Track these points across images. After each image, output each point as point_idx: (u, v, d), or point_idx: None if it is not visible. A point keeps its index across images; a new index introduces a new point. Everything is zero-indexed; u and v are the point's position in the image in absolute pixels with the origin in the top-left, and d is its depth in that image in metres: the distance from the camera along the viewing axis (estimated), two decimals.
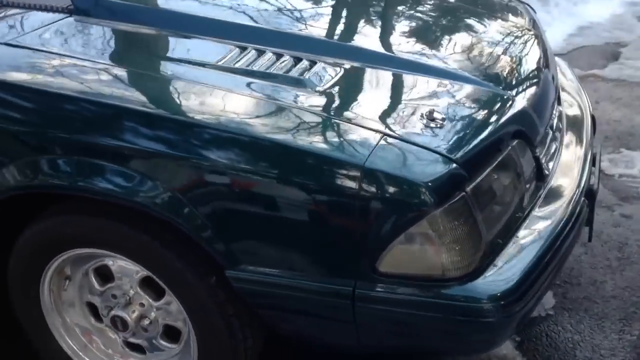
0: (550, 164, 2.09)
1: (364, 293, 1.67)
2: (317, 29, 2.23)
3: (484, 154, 1.76)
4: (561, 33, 5.50)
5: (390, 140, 1.68)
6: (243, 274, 1.72)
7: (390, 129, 1.72)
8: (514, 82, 2.05)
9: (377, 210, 1.61)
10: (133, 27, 2.12)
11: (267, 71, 1.89)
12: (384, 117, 1.79)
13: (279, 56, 1.96)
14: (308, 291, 1.71)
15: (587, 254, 2.75)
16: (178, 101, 1.82)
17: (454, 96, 1.91)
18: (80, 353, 2.08)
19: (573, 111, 2.47)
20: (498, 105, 1.92)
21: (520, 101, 1.96)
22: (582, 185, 2.05)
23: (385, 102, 1.88)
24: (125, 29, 2.13)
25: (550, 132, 2.19)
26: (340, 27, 2.25)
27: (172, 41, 2.12)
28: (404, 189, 1.60)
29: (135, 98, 1.85)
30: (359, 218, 1.62)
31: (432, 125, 1.75)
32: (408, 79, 1.96)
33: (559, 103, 2.44)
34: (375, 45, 2.14)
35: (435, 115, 1.77)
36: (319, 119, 1.74)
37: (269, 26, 2.16)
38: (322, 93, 1.83)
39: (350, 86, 1.90)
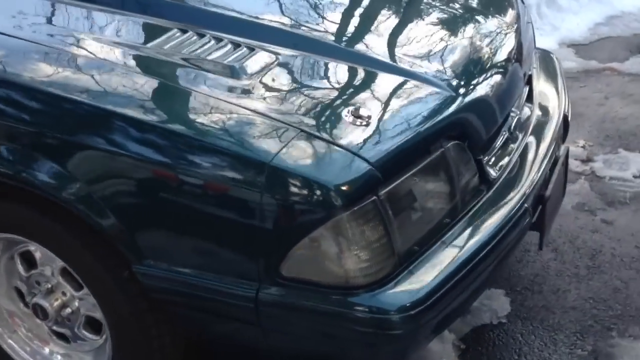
0: (500, 168, 2.00)
1: (268, 297, 1.61)
2: (272, 15, 2.13)
3: (408, 155, 1.67)
4: (587, 22, 5.26)
5: (305, 137, 1.60)
6: (149, 269, 1.67)
7: (309, 125, 1.64)
8: (462, 80, 1.92)
9: (280, 211, 1.54)
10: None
11: (198, 56, 1.81)
12: (307, 111, 1.70)
13: (218, 41, 1.88)
14: (214, 292, 1.65)
15: (556, 259, 2.63)
16: (84, 83, 1.74)
17: (389, 91, 1.81)
18: (7, 337, 2.06)
19: (543, 111, 2.35)
20: (436, 103, 1.81)
21: (464, 100, 1.85)
22: (527, 191, 1.95)
23: (313, 95, 1.78)
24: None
25: (506, 134, 2.08)
26: (292, 15, 2.14)
27: (107, 19, 2.02)
28: (308, 190, 1.53)
29: (35, 75, 1.76)
30: (261, 219, 1.55)
31: (357, 122, 1.66)
32: (345, 70, 1.87)
33: (531, 102, 2.33)
34: (322, 35, 2.04)
35: (362, 112, 1.68)
36: (234, 111, 1.66)
37: (217, 9, 2.08)
38: (248, 83, 1.74)
39: (281, 77, 1.81)
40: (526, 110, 2.26)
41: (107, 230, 1.66)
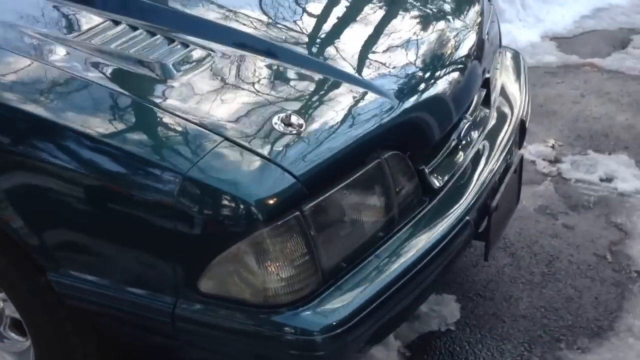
0: (447, 177, 1.95)
1: (185, 313, 1.56)
2: (216, 11, 2.05)
3: (340, 167, 1.62)
4: (573, 14, 5.17)
5: (228, 146, 1.53)
6: (64, 278, 1.62)
7: (234, 132, 1.57)
8: (405, 86, 1.86)
9: (196, 225, 1.49)
10: None
11: (125, 51, 1.74)
12: (234, 118, 1.62)
13: (151, 35, 1.81)
14: (132, 304, 1.60)
15: (512, 265, 2.59)
16: None
17: (327, 97, 1.76)
18: None
19: (500, 116, 2.29)
20: (376, 111, 1.75)
21: (406, 108, 1.79)
22: (471, 202, 1.90)
23: (245, 99, 1.70)
24: None
25: (455, 141, 2.03)
26: (237, 12, 2.04)
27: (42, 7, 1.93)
28: (226, 203, 1.47)
29: None
30: (177, 232, 1.50)
31: (287, 131, 1.60)
32: (284, 73, 1.81)
33: (487, 106, 2.27)
34: (265, 33, 1.96)
35: (293, 120, 1.62)
36: (155, 113, 1.60)
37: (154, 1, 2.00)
38: (174, 83, 1.67)
39: (213, 77, 1.74)
40: (481, 115, 2.22)
41: (18, 236, 1.61)
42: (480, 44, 2.19)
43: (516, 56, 2.65)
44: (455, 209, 1.86)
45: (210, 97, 1.68)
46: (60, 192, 1.56)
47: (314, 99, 1.74)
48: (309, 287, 1.55)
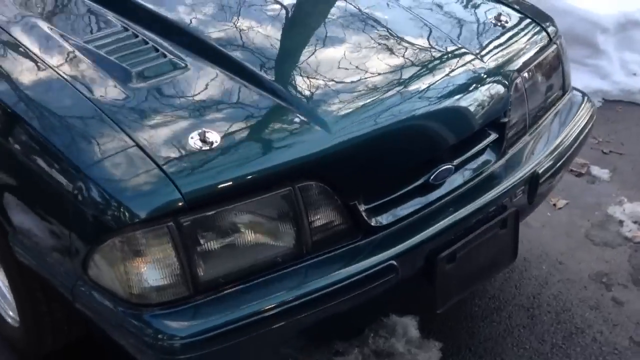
0: (399, 217, 1.86)
1: (80, 292, 1.70)
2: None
3: (239, 189, 1.64)
4: None
5: (135, 152, 1.64)
6: (14, 242, 1.83)
7: (148, 141, 1.66)
8: (346, 117, 1.79)
9: (85, 215, 1.62)
10: None
11: (104, 48, 1.91)
12: (158, 127, 1.71)
13: (123, 30, 1.99)
14: (54, 275, 1.77)
15: (525, 327, 2.35)
16: None
17: (257, 117, 1.78)
18: None
19: (509, 167, 2.10)
20: (302, 139, 1.74)
21: (340, 141, 1.74)
22: (408, 247, 1.81)
23: (174, 112, 1.76)
24: None
25: (421, 182, 1.92)
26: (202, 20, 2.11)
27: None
28: (109, 201, 1.58)
29: None
30: (72, 218, 1.65)
31: (198, 146, 1.66)
32: (223, 86, 1.85)
33: (498, 153, 2.09)
34: (216, 41, 1.99)
35: (208, 136, 1.68)
36: (91, 111, 1.74)
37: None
38: (126, 88, 1.80)
39: (164, 87, 1.84)
40: (480, 161, 2.07)
41: None
42: (475, 82, 2.02)
43: (577, 103, 2.39)
44: (384, 252, 1.79)
45: (147, 105, 1.79)
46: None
47: (243, 117, 1.77)
48: (176, 294, 1.61)
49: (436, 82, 1.96)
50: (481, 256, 2.01)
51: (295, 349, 1.97)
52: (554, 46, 2.36)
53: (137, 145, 1.66)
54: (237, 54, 1.96)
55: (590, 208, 2.97)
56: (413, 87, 1.92)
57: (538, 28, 2.34)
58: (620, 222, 2.85)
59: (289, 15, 2.21)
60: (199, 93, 1.84)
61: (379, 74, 1.94)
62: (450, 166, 1.97)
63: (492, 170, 2.07)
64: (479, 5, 2.43)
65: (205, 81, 1.88)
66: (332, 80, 1.91)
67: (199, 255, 1.63)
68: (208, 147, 1.67)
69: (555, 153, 2.21)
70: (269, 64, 1.96)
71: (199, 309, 1.63)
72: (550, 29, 2.36)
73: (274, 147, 1.73)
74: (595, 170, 3.25)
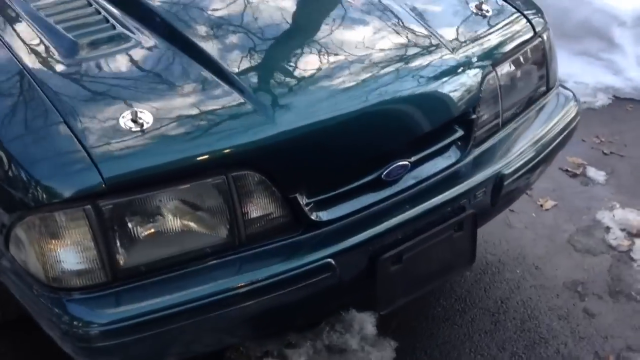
0: (346, 213, 1.78)
1: (4, 264, 1.67)
2: None
3: (166, 174, 1.57)
4: None
5: (63, 130, 1.57)
6: None
7: (78, 119, 1.59)
8: (291, 106, 1.71)
9: (5, 191, 1.56)
10: None
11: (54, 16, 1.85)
12: (91, 104, 1.65)
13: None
14: None
15: (487, 333, 2.25)
16: None
17: (195, 99, 1.69)
18: None
19: (475, 165, 1.99)
20: (241, 125, 1.65)
21: (282, 130, 1.65)
22: (348, 246, 1.72)
23: (113, 90, 1.69)
24: None
25: (371, 178, 1.82)
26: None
27: None
28: (29, 178, 1.52)
29: None
30: None
31: (128, 127, 1.59)
32: (172, 64, 1.77)
33: (464, 150, 1.98)
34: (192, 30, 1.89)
35: (140, 117, 1.60)
36: (27, 82, 1.68)
37: None
38: (71, 61, 1.74)
39: (110, 61, 1.77)
40: (440, 159, 1.96)
41: None
42: (440, 74, 1.91)
43: (561, 101, 2.26)
44: (322, 249, 1.71)
45: (84, 79, 1.72)
46: None
47: (182, 99, 1.68)
48: (94, 280, 1.56)
49: (394, 72, 1.85)
50: (433, 259, 1.92)
51: (234, 338, 1.90)
52: (538, 40, 2.22)
53: (65, 121, 1.59)
54: (190, 32, 1.87)
55: (579, 212, 2.83)
56: (367, 76, 1.82)
57: (522, 20, 2.21)
58: (607, 229, 2.71)
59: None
60: (142, 70, 1.77)
61: (334, 62, 1.84)
62: (406, 163, 1.87)
63: (454, 169, 1.96)
64: None
65: (152, 58, 1.80)
66: (284, 67, 1.83)
67: (119, 241, 1.56)
68: (139, 129, 1.59)
69: (527, 154, 2.09)
70: (222, 46, 1.86)
71: (118, 297, 1.58)
72: (535, 21, 2.22)
73: (209, 132, 1.65)
74: (592, 171, 3.10)
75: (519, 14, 2.23)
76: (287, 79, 1.79)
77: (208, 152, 1.62)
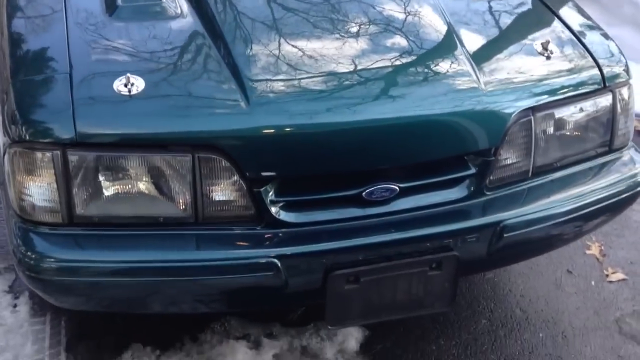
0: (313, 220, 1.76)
1: None
2: None
3: (131, 140, 1.66)
4: None
5: (63, 79, 1.71)
6: None
7: (80, 72, 1.72)
8: (279, 95, 1.72)
9: (4, 119, 1.74)
10: None
11: None
12: (99, 61, 1.77)
13: None
14: None
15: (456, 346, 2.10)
16: None
17: (191, 76, 1.76)
18: None
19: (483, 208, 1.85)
20: (224, 107, 1.70)
21: (261, 124, 1.67)
22: (297, 253, 1.71)
23: (133, 51, 1.81)
24: None
25: (351, 194, 1.76)
26: None
27: None
28: (18, 114, 1.67)
29: None
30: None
31: (117, 90, 1.68)
32: (191, 42, 1.85)
33: (478, 188, 1.85)
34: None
35: (132, 82, 1.69)
36: (60, 27, 1.84)
37: None
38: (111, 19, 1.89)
39: (144, 26, 1.88)
40: (441, 193, 1.84)
41: None
42: (454, 105, 1.78)
43: (622, 167, 2.01)
44: (272, 248, 1.71)
45: (109, 39, 1.84)
46: None
47: (181, 75, 1.76)
48: (51, 218, 1.69)
49: (398, 93, 1.79)
50: (400, 290, 1.82)
51: (177, 308, 1.91)
52: (608, 95, 2.00)
53: (69, 73, 1.73)
54: (222, 19, 1.93)
55: None
56: (367, 93, 1.77)
57: (593, 69, 1.99)
58: None
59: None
60: (162, 42, 1.86)
61: (341, 71, 1.81)
62: (393, 186, 1.79)
63: (455, 206, 1.85)
64: (532, 19, 2.15)
65: (177, 34, 1.90)
66: (293, 69, 1.81)
67: (78, 190, 1.68)
68: (127, 93, 1.70)
69: (552, 210, 1.91)
70: (243, 38, 1.89)
71: (69, 239, 1.70)
72: (610, 72, 2.00)
73: (189, 111, 1.71)
74: None
75: (591, 61, 2.02)
76: (290, 81, 1.79)
77: (180, 130, 1.68)
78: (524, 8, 2.23)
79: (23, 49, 1.85)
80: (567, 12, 2.22)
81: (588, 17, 2.23)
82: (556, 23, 2.13)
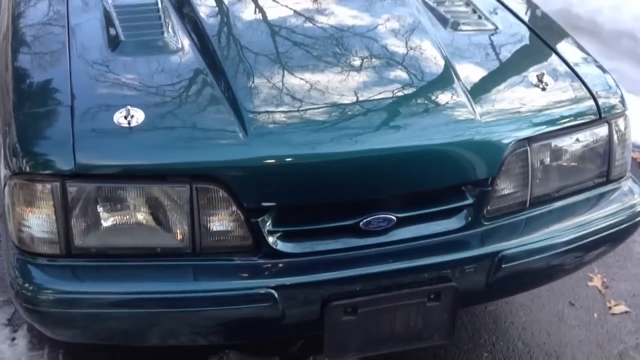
0: (312, 250, 1.76)
1: None
2: None
3: (130, 172, 1.67)
4: None
5: (64, 112, 1.73)
6: None
7: (82, 105, 1.75)
8: (277, 127, 1.74)
9: (6, 151, 1.76)
10: None
11: None
12: (103, 95, 1.80)
13: None
14: None
15: None
16: None
17: (191, 109, 1.78)
18: None
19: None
20: (222, 138, 1.72)
21: (260, 155, 1.68)
22: (294, 283, 1.71)
23: (135, 84, 1.85)
24: None
25: (350, 223, 1.76)
26: None
27: None
28: (18, 146, 1.69)
29: None
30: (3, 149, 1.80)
31: (118, 123, 1.71)
32: (191, 77, 1.88)
33: (474, 221, 1.86)
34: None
35: (132, 115, 1.72)
36: (63, 61, 1.88)
37: None
38: (115, 53, 1.92)
39: (146, 60, 1.92)
40: (439, 223, 1.84)
41: None
42: (449, 135, 1.80)
43: (620, 197, 2.02)
44: (271, 278, 1.71)
45: (112, 76, 1.86)
46: None
47: (180, 108, 1.78)
48: (49, 249, 1.69)
49: (394, 125, 1.80)
50: (398, 321, 1.82)
51: (174, 340, 1.90)
52: (604, 126, 2.01)
53: (71, 106, 1.76)
54: (223, 54, 1.95)
55: None
56: (363, 124, 1.79)
57: (588, 100, 2.01)
58: None
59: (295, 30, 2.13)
60: (163, 76, 1.89)
61: (338, 102, 1.83)
62: (390, 216, 1.80)
63: (452, 236, 1.85)
64: (528, 52, 2.18)
65: (177, 68, 1.92)
66: (290, 97, 1.83)
67: (77, 221, 1.69)
68: (126, 125, 1.72)
69: (551, 241, 1.91)
70: (242, 70, 1.91)
71: (67, 271, 1.71)
72: (605, 104, 2.01)
73: (188, 143, 1.73)
74: None
75: (586, 92, 2.04)
76: (287, 113, 1.81)
77: (179, 161, 1.70)
78: (521, 42, 2.25)
79: (26, 82, 1.88)
80: (563, 46, 2.25)
81: (584, 50, 2.26)
82: (552, 56, 2.16)
